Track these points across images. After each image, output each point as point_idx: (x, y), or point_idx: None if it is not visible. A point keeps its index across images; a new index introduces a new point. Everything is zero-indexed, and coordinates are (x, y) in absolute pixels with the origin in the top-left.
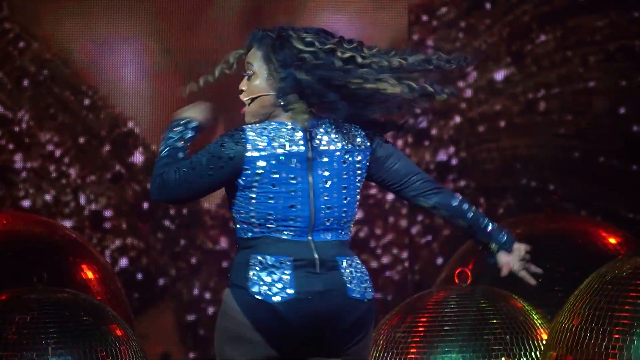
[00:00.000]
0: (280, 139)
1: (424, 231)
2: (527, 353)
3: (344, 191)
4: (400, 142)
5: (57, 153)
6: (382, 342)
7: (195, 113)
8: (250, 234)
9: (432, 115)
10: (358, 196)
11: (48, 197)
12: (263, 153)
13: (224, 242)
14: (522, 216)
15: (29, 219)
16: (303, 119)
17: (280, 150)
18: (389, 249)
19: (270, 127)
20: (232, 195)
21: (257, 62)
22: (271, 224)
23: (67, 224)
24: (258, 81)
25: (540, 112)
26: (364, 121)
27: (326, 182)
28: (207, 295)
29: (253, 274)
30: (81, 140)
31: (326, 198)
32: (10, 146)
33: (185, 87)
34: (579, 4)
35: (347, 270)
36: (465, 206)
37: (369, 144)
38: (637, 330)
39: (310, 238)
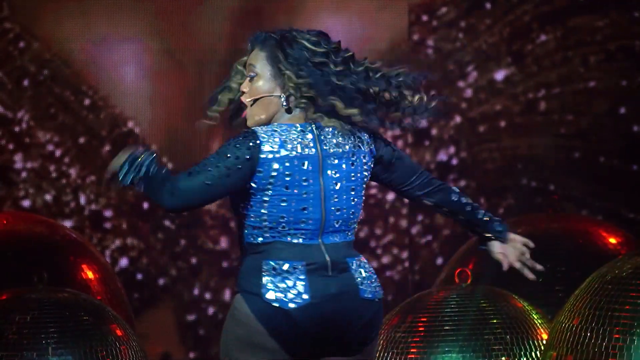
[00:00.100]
0: (292, 141)
1: (424, 231)
2: (528, 353)
3: (352, 193)
4: (400, 142)
5: (58, 153)
6: (383, 342)
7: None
8: (260, 238)
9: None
10: (363, 197)
11: (48, 197)
12: (277, 155)
13: (224, 242)
14: (522, 216)
15: (29, 218)
16: (317, 117)
17: (293, 153)
18: (389, 249)
19: (281, 129)
20: (242, 199)
21: (260, 63)
22: (283, 227)
23: (68, 223)
24: (261, 82)
25: (540, 112)
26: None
27: (336, 184)
28: (207, 295)
29: (266, 280)
30: (81, 140)
31: (336, 200)
32: (11, 146)
33: (201, 122)
34: (579, 4)
35: (358, 271)
36: (464, 199)
37: (373, 146)
38: (638, 330)
39: (320, 241)
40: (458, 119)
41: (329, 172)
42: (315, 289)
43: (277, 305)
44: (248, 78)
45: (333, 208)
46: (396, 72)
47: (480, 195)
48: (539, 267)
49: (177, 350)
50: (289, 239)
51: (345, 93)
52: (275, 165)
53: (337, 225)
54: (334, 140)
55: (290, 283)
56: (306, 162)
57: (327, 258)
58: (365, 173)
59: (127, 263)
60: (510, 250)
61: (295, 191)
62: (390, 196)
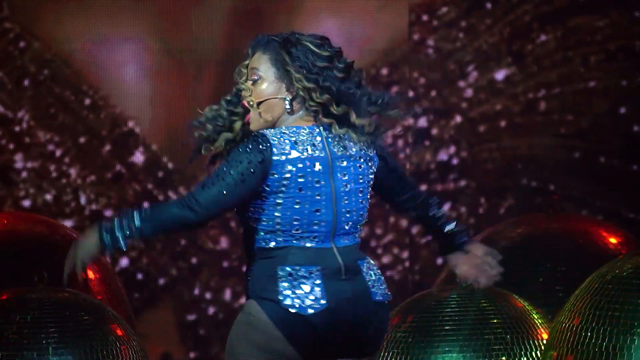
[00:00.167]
0: (303, 143)
1: (424, 231)
2: (528, 353)
3: (360, 195)
4: (400, 142)
5: (58, 153)
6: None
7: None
8: (273, 243)
9: (433, 115)
10: (369, 200)
11: (48, 197)
12: (289, 156)
13: (224, 242)
14: (522, 216)
15: (29, 218)
16: (328, 122)
17: (304, 154)
18: (390, 249)
19: (290, 131)
20: (253, 203)
21: (263, 66)
22: (297, 230)
23: (68, 223)
24: (265, 85)
25: (540, 112)
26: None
27: (346, 186)
28: (208, 295)
29: (283, 286)
30: (82, 140)
31: (346, 202)
32: (11, 146)
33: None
34: (579, 4)
35: (369, 274)
36: (439, 213)
37: (376, 150)
38: (638, 330)
39: (333, 244)
40: (458, 118)
41: (338, 174)
42: (331, 293)
43: (295, 311)
44: (250, 82)
45: (344, 210)
46: (378, 93)
47: (480, 195)
48: (494, 277)
49: (177, 350)
50: (302, 242)
51: (356, 102)
52: (288, 167)
53: (347, 228)
54: (342, 143)
55: (307, 288)
56: (317, 164)
57: (341, 261)
58: (371, 176)
59: (127, 263)
60: (469, 266)
61: (308, 193)
62: None
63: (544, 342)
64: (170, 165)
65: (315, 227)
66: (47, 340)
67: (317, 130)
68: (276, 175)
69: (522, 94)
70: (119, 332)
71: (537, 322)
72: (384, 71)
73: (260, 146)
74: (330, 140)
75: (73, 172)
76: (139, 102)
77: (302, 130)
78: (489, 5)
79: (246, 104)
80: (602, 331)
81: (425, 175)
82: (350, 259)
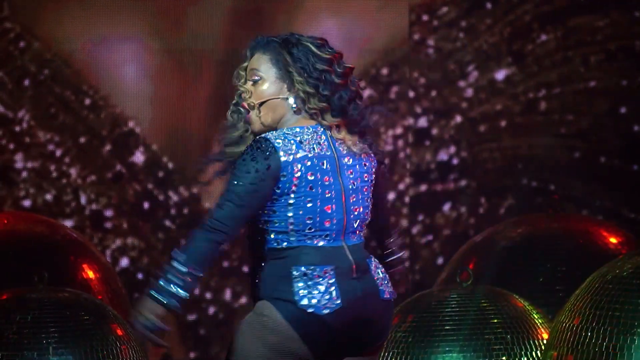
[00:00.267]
0: (308, 142)
1: (424, 231)
2: (528, 353)
3: (365, 192)
4: (400, 142)
5: (58, 153)
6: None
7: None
8: (285, 243)
9: (433, 115)
10: (372, 199)
11: (49, 197)
12: (296, 156)
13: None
14: (523, 216)
15: (29, 218)
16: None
17: (311, 153)
18: None
19: (293, 131)
20: (265, 206)
21: (264, 66)
22: (309, 229)
23: (68, 223)
24: (266, 85)
25: (541, 112)
26: None
27: (353, 183)
28: (208, 295)
29: (299, 286)
30: (82, 140)
31: (354, 199)
32: (11, 146)
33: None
34: (579, 3)
35: (376, 272)
36: (391, 248)
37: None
38: (638, 330)
39: (343, 242)
40: (458, 118)
41: (345, 171)
42: (345, 292)
43: (312, 311)
44: (251, 82)
45: (352, 207)
46: (370, 108)
47: (480, 195)
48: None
49: (177, 350)
50: (314, 242)
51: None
52: (297, 166)
53: (355, 226)
54: (345, 143)
55: (322, 288)
56: (325, 161)
57: (352, 260)
58: (374, 175)
59: (127, 263)
60: None
61: (319, 191)
62: (391, 196)
63: (544, 342)
64: (170, 165)
65: (327, 225)
66: (48, 340)
67: (321, 129)
68: (286, 177)
69: (522, 93)
70: (120, 332)
71: (537, 322)
72: (384, 71)
73: (266, 152)
74: (333, 138)
75: (73, 172)
76: (139, 102)
77: (306, 130)
78: (489, 5)
79: (246, 106)
80: (603, 331)
81: (425, 175)
82: (360, 257)
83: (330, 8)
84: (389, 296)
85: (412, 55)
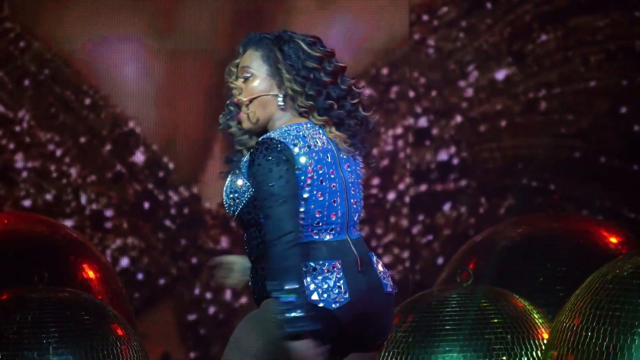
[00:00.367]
0: (310, 136)
1: (424, 231)
2: (528, 352)
3: (360, 186)
4: (400, 142)
5: (58, 153)
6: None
7: None
8: None
9: (433, 115)
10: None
11: (49, 197)
12: (304, 150)
13: (224, 242)
14: (523, 216)
15: (29, 218)
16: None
17: (316, 147)
18: (390, 249)
19: (293, 127)
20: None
21: (255, 63)
22: (317, 222)
23: (68, 223)
24: (257, 82)
25: (541, 112)
26: None
27: (351, 176)
28: (208, 295)
29: (309, 281)
30: (82, 139)
31: (353, 192)
32: (11, 146)
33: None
34: (579, 3)
35: (378, 266)
36: None
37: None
38: (638, 330)
39: (347, 236)
40: (459, 118)
41: (344, 165)
42: (351, 286)
43: (322, 305)
44: (242, 79)
45: (352, 201)
46: (367, 114)
47: (480, 195)
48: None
49: (177, 350)
50: (321, 236)
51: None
52: (308, 159)
53: (355, 219)
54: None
55: (331, 283)
56: (329, 155)
57: (356, 254)
58: (364, 170)
59: (127, 263)
60: None
61: (326, 184)
62: (391, 196)
63: (545, 341)
64: (170, 165)
65: (333, 219)
66: (48, 340)
67: (317, 125)
68: (301, 170)
69: (522, 93)
70: (120, 332)
71: (537, 321)
72: (384, 71)
73: (277, 148)
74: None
75: (73, 172)
76: (139, 102)
77: (304, 126)
78: (489, 5)
79: (237, 102)
80: (603, 331)
81: (426, 175)
82: (362, 251)
83: (330, 8)
84: (391, 290)
85: (412, 55)
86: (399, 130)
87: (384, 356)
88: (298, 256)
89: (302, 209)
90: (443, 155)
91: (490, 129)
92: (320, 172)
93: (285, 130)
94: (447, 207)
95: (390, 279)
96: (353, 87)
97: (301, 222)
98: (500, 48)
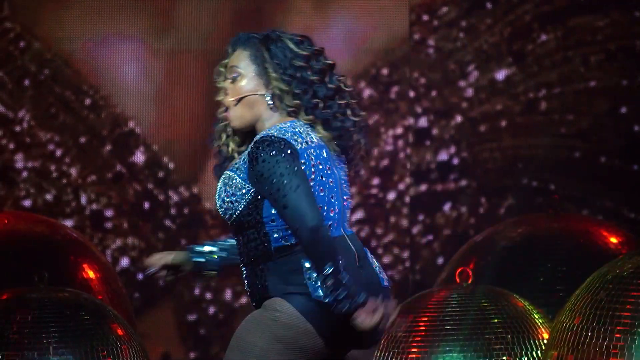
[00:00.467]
0: (305, 133)
1: (424, 231)
2: (529, 352)
3: (348, 183)
4: (401, 142)
5: (58, 153)
6: (383, 342)
7: None
8: (293, 239)
9: (433, 115)
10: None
11: (49, 197)
12: (304, 145)
13: None
14: (523, 216)
15: (30, 218)
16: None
17: (313, 143)
18: (390, 249)
19: (288, 124)
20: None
21: (243, 63)
22: None
23: (68, 223)
24: (245, 81)
25: (541, 112)
26: None
27: (342, 173)
28: (208, 295)
29: (312, 278)
30: (82, 139)
31: (344, 189)
32: (11, 146)
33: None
34: (580, 3)
35: (373, 261)
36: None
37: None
38: (639, 330)
39: (343, 231)
40: (459, 118)
41: (335, 161)
42: (354, 281)
43: (327, 301)
44: (230, 80)
45: (345, 197)
46: (358, 113)
47: (480, 195)
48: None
49: (177, 350)
50: None
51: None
52: (310, 153)
53: (347, 215)
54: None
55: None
56: (324, 151)
57: (353, 249)
58: (347, 172)
59: (128, 263)
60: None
61: (326, 179)
62: (391, 196)
63: (545, 341)
64: (170, 165)
65: (332, 215)
66: (48, 340)
67: (306, 124)
68: (305, 164)
69: (522, 93)
70: (120, 332)
71: (537, 321)
72: (384, 71)
73: (280, 144)
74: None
75: (73, 172)
76: (139, 102)
77: (297, 123)
78: (489, 5)
79: (225, 102)
80: (603, 331)
81: (426, 175)
82: (358, 247)
83: (330, 8)
84: (387, 284)
85: (412, 55)
86: (399, 130)
87: (384, 356)
88: (327, 237)
89: None
90: (443, 155)
91: (490, 129)
92: (320, 167)
93: (281, 128)
94: (447, 207)
95: (384, 272)
96: (342, 87)
97: None
98: (500, 48)
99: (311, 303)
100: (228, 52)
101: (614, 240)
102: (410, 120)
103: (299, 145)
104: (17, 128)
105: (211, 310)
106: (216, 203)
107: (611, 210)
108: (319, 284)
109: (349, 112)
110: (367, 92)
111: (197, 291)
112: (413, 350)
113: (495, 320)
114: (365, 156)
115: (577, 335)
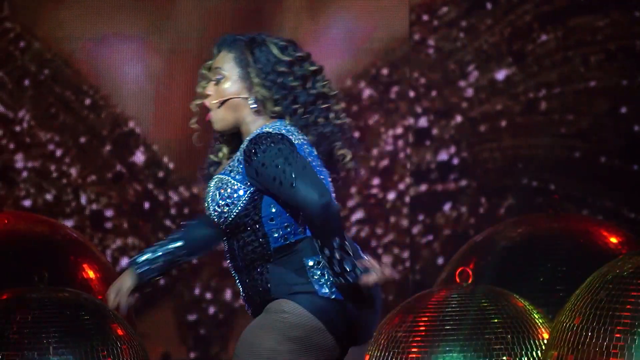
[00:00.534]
0: (294, 132)
1: (424, 231)
2: (529, 352)
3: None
4: (401, 142)
5: (58, 153)
6: (383, 342)
7: None
8: (292, 237)
9: (433, 115)
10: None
11: (49, 197)
12: (299, 141)
13: None
14: (523, 216)
15: (30, 218)
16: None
17: (305, 140)
18: (390, 249)
19: (277, 124)
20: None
21: (227, 65)
22: None
23: (68, 223)
24: (228, 84)
25: (541, 112)
26: None
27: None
28: (208, 295)
29: (316, 276)
30: (82, 139)
31: (331, 186)
32: (11, 146)
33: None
34: (580, 3)
35: (364, 256)
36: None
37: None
38: (639, 330)
39: None
40: (459, 118)
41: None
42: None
43: (333, 297)
44: (214, 82)
45: (334, 195)
46: (342, 120)
47: (480, 195)
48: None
49: (177, 350)
50: None
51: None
52: (304, 149)
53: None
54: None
55: None
56: (314, 149)
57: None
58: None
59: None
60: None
61: (320, 177)
62: (391, 196)
63: (545, 341)
64: (170, 165)
65: None
66: (48, 340)
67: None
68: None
69: (522, 93)
70: (120, 332)
71: (537, 321)
72: (384, 71)
73: (277, 136)
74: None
75: (73, 172)
76: (139, 102)
77: (285, 123)
78: (489, 5)
79: (207, 104)
80: (603, 331)
81: (426, 175)
82: (350, 242)
83: (330, 8)
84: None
85: (412, 55)
86: (399, 130)
87: (384, 356)
88: (338, 212)
89: None
90: (443, 155)
91: (490, 129)
92: (314, 164)
93: (273, 125)
94: (447, 207)
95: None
96: (326, 92)
97: (300, 219)
98: (500, 48)
99: (318, 301)
100: (214, 53)
101: (614, 240)
102: (410, 120)
103: (295, 141)
104: (17, 128)
105: (211, 310)
106: (208, 208)
107: (611, 210)
108: (324, 277)
109: (331, 116)
110: (367, 92)
111: (197, 291)
112: (413, 350)
113: (495, 320)
114: (361, 156)
115: (577, 335)
